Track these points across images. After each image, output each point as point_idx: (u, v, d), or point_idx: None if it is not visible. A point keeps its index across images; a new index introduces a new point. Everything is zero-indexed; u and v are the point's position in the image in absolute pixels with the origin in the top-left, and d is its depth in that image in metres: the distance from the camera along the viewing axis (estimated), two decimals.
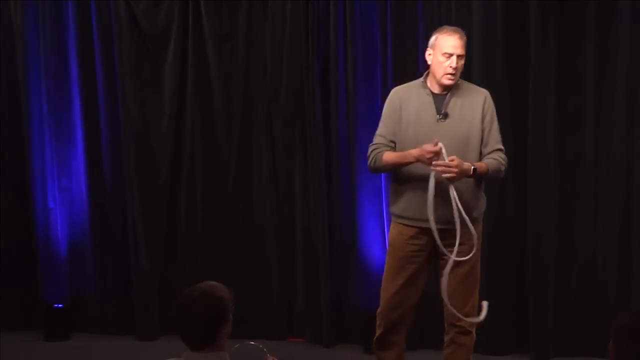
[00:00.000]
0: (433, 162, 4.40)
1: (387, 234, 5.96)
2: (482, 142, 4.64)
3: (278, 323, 6.34)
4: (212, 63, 6.24)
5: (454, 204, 4.41)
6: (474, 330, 4.74)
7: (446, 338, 4.79)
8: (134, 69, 6.30)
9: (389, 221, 5.90)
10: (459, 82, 4.66)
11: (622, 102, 5.68)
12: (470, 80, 5.66)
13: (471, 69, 5.76)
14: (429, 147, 4.41)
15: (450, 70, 4.56)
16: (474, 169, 4.48)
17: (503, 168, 4.65)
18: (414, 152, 4.50)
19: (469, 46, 5.74)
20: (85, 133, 6.41)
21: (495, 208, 5.31)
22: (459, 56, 4.56)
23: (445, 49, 4.55)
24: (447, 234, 4.53)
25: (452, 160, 4.38)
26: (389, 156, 4.64)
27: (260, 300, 6.30)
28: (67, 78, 6.38)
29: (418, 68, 5.86)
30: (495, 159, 4.61)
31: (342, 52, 6.04)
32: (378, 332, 4.84)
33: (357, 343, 6.14)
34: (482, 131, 4.63)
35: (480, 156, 4.64)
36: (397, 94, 4.76)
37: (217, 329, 3.11)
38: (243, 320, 5.76)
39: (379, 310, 4.83)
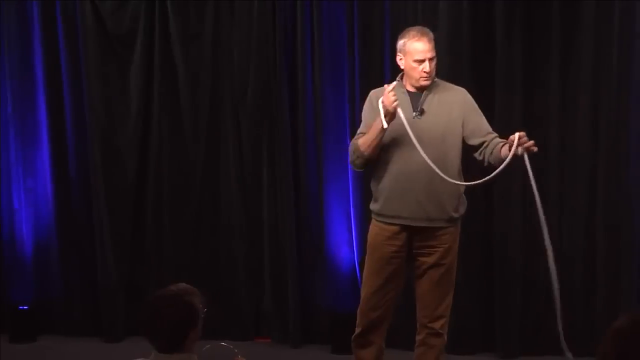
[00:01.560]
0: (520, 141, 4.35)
1: (354, 235, 6.00)
2: (471, 136, 4.62)
3: (245, 323, 6.33)
4: (179, 63, 6.22)
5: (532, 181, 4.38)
6: (445, 333, 4.75)
7: (417, 338, 4.79)
8: (100, 69, 6.26)
9: (356, 221, 5.93)
10: (435, 80, 4.67)
11: (587, 102, 5.73)
12: None
13: (438, 69, 5.78)
14: (388, 96, 4.39)
15: (425, 75, 4.57)
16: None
17: None
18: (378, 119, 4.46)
19: (435, 44, 5.80)
20: (50, 133, 6.36)
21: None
22: (430, 59, 4.57)
23: (416, 56, 4.55)
24: (428, 232, 4.60)
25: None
26: (362, 138, 4.62)
27: (227, 300, 6.27)
28: (32, 78, 6.33)
29: (385, 67, 5.90)
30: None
31: (309, 51, 6.04)
32: (357, 330, 4.83)
33: (325, 343, 6.14)
34: (470, 127, 4.61)
35: (480, 148, 4.62)
36: (375, 94, 4.72)
37: (185, 333, 3.08)
38: (210, 320, 5.70)
39: (358, 309, 4.82)
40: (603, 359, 2.75)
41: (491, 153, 4.57)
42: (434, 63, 4.59)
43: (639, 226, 5.72)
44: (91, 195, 6.32)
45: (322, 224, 6.12)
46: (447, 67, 5.77)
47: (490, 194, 5.83)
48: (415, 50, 4.55)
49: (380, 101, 4.46)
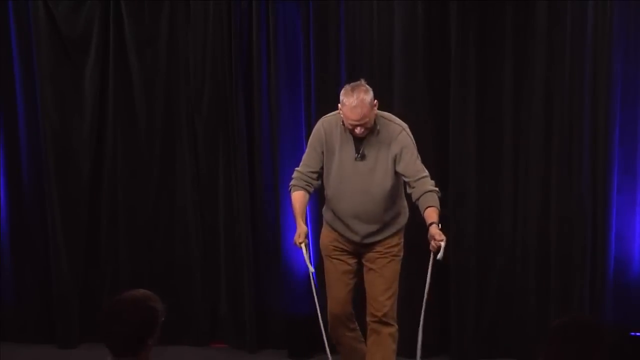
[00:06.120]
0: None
1: (310, 241, 5.99)
2: (403, 175, 4.86)
3: (201, 329, 6.30)
4: (134, 67, 6.18)
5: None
6: (394, 323, 4.95)
7: (368, 327, 5.00)
8: (53, 73, 6.20)
9: (312, 226, 5.93)
10: (378, 127, 4.82)
11: (540, 107, 5.77)
12: (392, 83, 5.74)
13: (393, 73, 5.81)
14: (296, 240, 4.84)
15: (357, 132, 4.76)
16: (438, 224, 4.73)
17: (439, 194, 4.86)
18: (299, 228, 4.87)
19: (389, 48, 5.79)
20: (3, 138, 6.30)
21: (416, 213, 5.37)
22: (362, 124, 4.73)
23: (347, 122, 4.75)
24: (366, 246, 5.00)
25: (436, 240, 4.64)
26: (294, 201, 4.99)
27: (183, 305, 6.24)
28: None
29: (341, 70, 5.91)
30: (430, 191, 4.80)
31: (265, 53, 6.03)
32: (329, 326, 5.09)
33: (281, 348, 6.14)
34: (401, 167, 4.83)
35: (406, 186, 4.90)
36: (325, 126, 4.95)
37: (145, 338, 3.08)
38: (166, 326, 5.68)
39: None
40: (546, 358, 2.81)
41: (417, 200, 4.83)
42: (368, 122, 4.75)
43: (591, 228, 5.77)
44: (45, 200, 6.27)
45: (278, 229, 6.12)
46: (402, 69, 5.81)
47: (444, 199, 5.84)
48: (346, 117, 4.75)
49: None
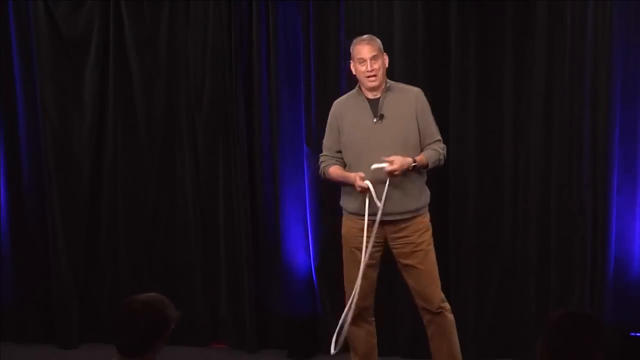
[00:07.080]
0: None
1: (311, 240, 6.00)
2: (420, 137, 4.97)
3: (201, 329, 6.30)
4: (134, 68, 6.18)
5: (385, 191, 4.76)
6: (447, 310, 5.02)
7: (424, 320, 5.08)
8: (53, 73, 6.20)
9: (313, 227, 5.94)
10: (389, 85, 4.96)
11: (540, 107, 5.77)
12: None
13: (393, 73, 5.81)
14: (359, 182, 4.75)
15: (369, 73, 4.87)
16: (414, 165, 4.81)
17: (442, 157, 5.01)
18: (352, 176, 4.83)
19: (389, 48, 5.80)
20: (3, 138, 6.30)
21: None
22: (372, 59, 4.87)
23: (358, 56, 4.90)
24: (397, 223, 4.92)
25: (392, 162, 4.70)
26: (334, 172, 5.00)
27: (183, 306, 6.17)
28: None
29: (340, 68, 5.91)
30: (434, 149, 4.96)
31: (265, 53, 6.03)
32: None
33: (281, 348, 6.14)
34: (419, 128, 4.95)
35: (421, 150, 4.97)
36: (337, 106, 5.07)
37: (154, 340, 3.11)
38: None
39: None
40: (541, 352, 2.81)
41: None
42: (378, 63, 4.90)
43: (591, 228, 5.77)
44: (45, 200, 6.27)
45: (279, 229, 6.12)
46: (402, 69, 5.81)
47: (445, 199, 5.84)
48: (357, 52, 4.92)
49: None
